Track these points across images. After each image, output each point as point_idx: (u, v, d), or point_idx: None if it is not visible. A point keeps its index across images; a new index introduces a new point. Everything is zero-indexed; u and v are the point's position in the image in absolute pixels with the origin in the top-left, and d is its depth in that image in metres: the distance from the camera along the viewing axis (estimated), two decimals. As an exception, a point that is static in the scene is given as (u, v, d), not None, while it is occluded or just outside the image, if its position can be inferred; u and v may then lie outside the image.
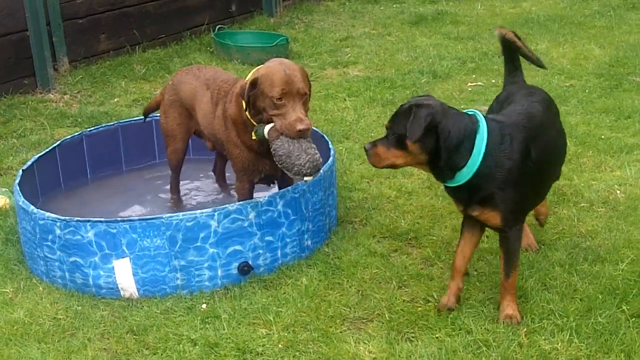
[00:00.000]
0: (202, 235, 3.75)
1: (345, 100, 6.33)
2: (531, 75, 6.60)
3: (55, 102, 6.47)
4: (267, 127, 3.67)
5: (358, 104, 6.24)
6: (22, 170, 4.33)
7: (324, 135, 4.60)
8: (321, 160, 3.71)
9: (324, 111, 6.09)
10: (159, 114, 4.84)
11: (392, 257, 4.03)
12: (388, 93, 6.43)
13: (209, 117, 4.13)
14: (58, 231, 3.77)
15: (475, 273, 3.83)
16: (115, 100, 6.54)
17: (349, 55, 7.66)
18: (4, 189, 4.83)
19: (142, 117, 4.87)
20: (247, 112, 3.75)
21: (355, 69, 7.28)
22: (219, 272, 3.82)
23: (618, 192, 4.59)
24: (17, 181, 4.18)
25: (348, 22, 8.91)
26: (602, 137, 5.33)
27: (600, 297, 3.56)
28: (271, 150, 3.65)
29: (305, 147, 3.61)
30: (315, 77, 7.02)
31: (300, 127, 3.55)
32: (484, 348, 3.27)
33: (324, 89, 6.65)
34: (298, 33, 8.38)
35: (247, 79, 3.72)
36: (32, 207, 3.88)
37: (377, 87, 6.59)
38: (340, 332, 3.45)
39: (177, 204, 4.64)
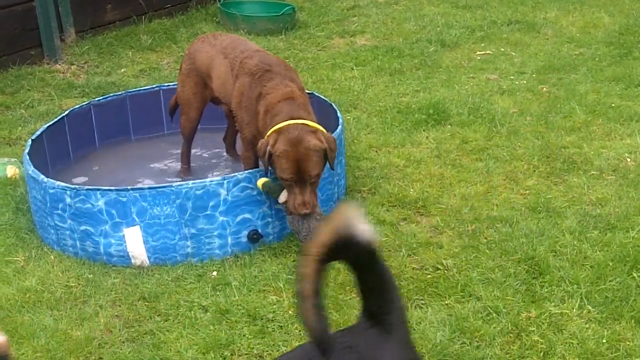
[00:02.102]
0: (211, 203, 3.76)
1: (352, 69, 6.29)
2: (540, 43, 6.58)
3: (63, 72, 6.45)
4: (284, 195, 3.75)
5: (365, 73, 6.20)
6: (32, 140, 4.33)
7: (332, 104, 4.59)
8: None
9: (331, 80, 6.06)
10: (168, 84, 4.85)
11: (401, 225, 4.04)
12: (396, 62, 6.39)
13: (228, 87, 4.13)
14: (68, 200, 3.78)
15: (485, 241, 3.83)
16: (122, 70, 6.52)
17: (356, 24, 7.60)
18: (13, 159, 4.83)
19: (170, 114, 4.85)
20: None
21: (362, 38, 7.22)
22: (229, 240, 3.83)
23: (628, 160, 4.58)
24: (26, 151, 4.18)
25: (355, -9, 8.83)
26: (612, 105, 5.30)
27: (610, 264, 3.56)
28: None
29: (313, 226, 3.70)
30: (323, 47, 6.99)
31: (303, 211, 3.67)
32: (494, 314, 3.28)
33: (331, 58, 6.61)
34: (305, 2, 8.30)
35: (268, 141, 3.69)
36: (42, 176, 3.89)
37: (384, 56, 6.55)
38: (350, 299, 3.46)
39: (187, 172, 4.65)
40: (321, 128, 3.77)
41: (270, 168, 3.75)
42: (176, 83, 4.89)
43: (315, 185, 3.72)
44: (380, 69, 6.25)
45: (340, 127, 4.24)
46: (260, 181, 3.81)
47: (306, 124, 3.70)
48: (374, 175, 4.53)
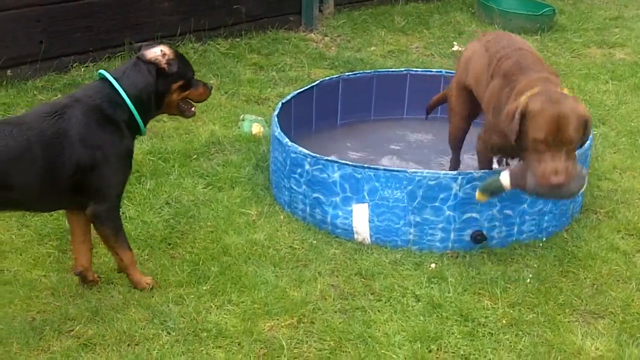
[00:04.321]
0: (441, 196, 3.75)
1: (607, 82, 5.97)
2: None
3: (316, 42, 6.71)
4: (506, 176, 3.39)
5: (621, 89, 5.86)
6: (282, 103, 4.54)
7: (583, 117, 4.38)
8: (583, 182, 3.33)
9: (582, 91, 5.80)
10: (417, 69, 4.84)
11: (636, 257, 3.79)
12: (656, 83, 5.98)
13: (482, 84, 3.86)
14: (307, 167, 3.94)
15: None
16: (372, 48, 6.65)
17: (618, 36, 7.20)
18: (260, 118, 5.11)
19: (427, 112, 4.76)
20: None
21: (622, 51, 6.83)
22: (452, 236, 3.81)
23: None
24: (275, 113, 4.39)
25: (621, 1, 8.36)
26: None
27: None
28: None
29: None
30: (578, 54, 6.70)
31: (553, 180, 3.17)
32: None
33: (586, 67, 6.32)
34: (565, 5, 8.00)
35: (519, 103, 3.30)
36: (286, 139, 4.08)
37: (644, 74, 6.16)
38: (568, 322, 3.32)
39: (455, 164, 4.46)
40: None
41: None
42: (424, 69, 4.95)
43: (571, 155, 3.21)
44: (638, 87, 5.89)
45: (589, 141, 4.05)
46: (478, 192, 3.57)
47: (566, 94, 3.32)
48: (613, 198, 4.28)
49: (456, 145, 4.37)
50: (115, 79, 3.26)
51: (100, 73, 3.32)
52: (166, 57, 3.33)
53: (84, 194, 3.22)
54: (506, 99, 3.52)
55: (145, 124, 3.36)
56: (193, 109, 3.55)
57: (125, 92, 3.25)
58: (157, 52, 3.32)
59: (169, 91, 3.38)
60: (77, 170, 3.14)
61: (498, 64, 3.75)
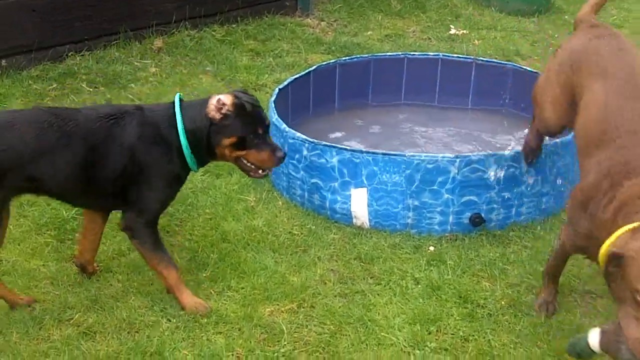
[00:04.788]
0: (440, 179, 3.75)
1: (604, 64, 5.95)
2: None
3: (312, 27, 6.68)
4: (595, 336, 2.62)
5: (618, 69, 5.84)
6: (279, 89, 4.53)
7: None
8: None
9: (579, 72, 5.78)
10: (414, 53, 4.81)
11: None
12: (653, 63, 5.96)
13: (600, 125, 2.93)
14: (305, 152, 3.93)
15: None
16: (369, 33, 6.63)
17: (615, 17, 7.18)
18: (257, 104, 5.09)
19: None
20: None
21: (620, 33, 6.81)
22: (450, 219, 3.81)
23: None
24: (272, 99, 4.38)
25: (618, -18, 8.32)
26: None
27: None
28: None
29: None
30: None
31: None
32: None
33: (583, 49, 6.29)
34: (563, -13, 7.97)
35: (612, 243, 2.57)
36: (284, 125, 4.07)
37: (641, 54, 6.13)
38: (567, 302, 3.34)
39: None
40: None
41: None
42: (422, 53, 4.91)
43: None
44: (635, 68, 5.87)
45: (585, 123, 4.03)
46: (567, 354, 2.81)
47: None
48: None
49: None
50: (180, 106, 3.15)
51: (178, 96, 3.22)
52: (225, 108, 3.09)
53: (123, 199, 3.16)
54: (604, 202, 2.74)
55: (198, 164, 3.22)
56: (260, 171, 3.24)
57: (182, 121, 3.12)
58: (213, 100, 3.10)
59: (220, 144, 3.15)
60: (120, 176, 3.10)
61: (621, 119, 2.87)
